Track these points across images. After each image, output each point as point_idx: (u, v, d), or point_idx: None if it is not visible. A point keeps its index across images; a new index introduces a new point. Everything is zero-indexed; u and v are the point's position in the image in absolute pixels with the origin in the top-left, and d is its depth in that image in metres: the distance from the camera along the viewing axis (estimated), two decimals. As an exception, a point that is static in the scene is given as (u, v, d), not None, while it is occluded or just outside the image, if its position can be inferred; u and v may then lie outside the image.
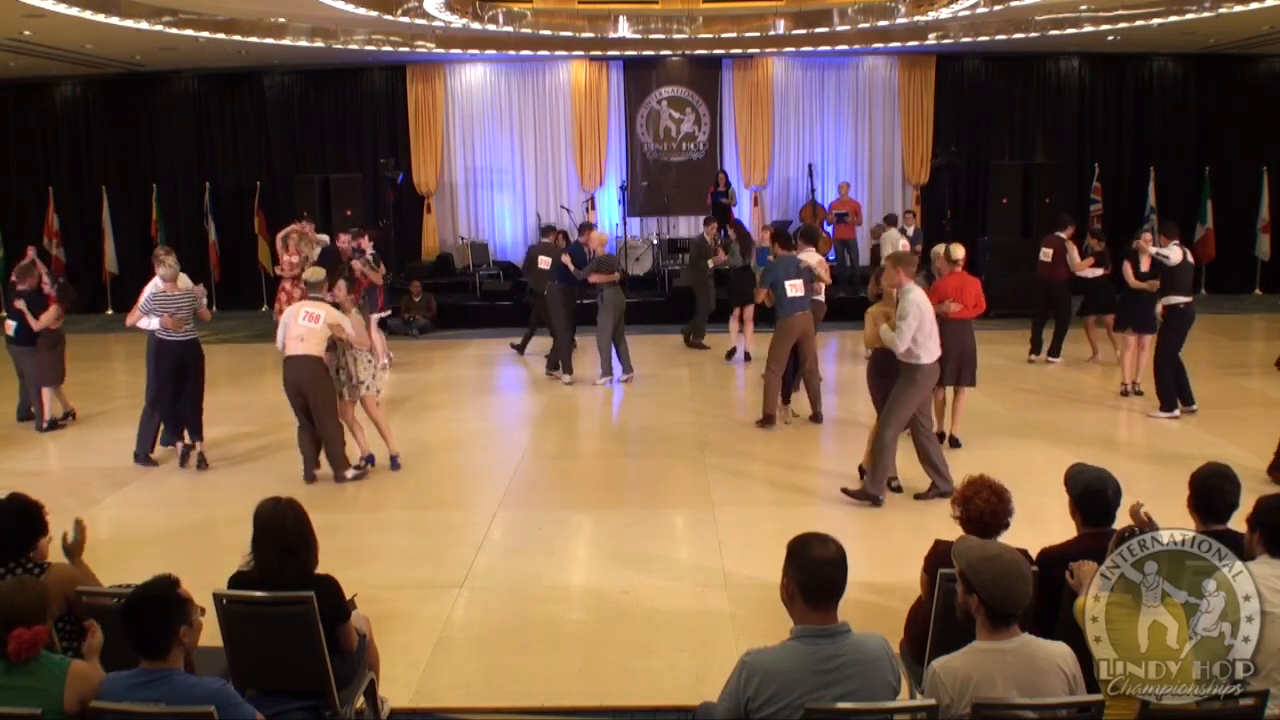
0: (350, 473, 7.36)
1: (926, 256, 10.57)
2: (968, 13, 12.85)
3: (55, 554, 3.82)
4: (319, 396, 7.17)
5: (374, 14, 12.34)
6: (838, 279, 12.81)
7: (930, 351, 6.47)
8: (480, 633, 5.05)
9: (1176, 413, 8.65)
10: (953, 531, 3.69)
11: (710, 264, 11.96)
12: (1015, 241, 14.25)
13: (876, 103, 16.68)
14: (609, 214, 16.45)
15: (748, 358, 11.50)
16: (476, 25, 13.57)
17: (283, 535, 3.57)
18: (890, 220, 14.10)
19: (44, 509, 3.76)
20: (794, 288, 8.39)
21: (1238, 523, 3.64)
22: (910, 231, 13.26)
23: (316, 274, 7.38)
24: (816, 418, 8.84)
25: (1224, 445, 7.73)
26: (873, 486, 6.65)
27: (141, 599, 2.94)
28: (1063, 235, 10.93)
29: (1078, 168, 16.36)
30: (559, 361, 10.77)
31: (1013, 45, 15.17)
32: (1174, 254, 8.63)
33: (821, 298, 9.28)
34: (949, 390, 8.04)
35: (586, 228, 11.33)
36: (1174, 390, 8.64)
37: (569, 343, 10.75)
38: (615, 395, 10.35)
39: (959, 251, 8.06)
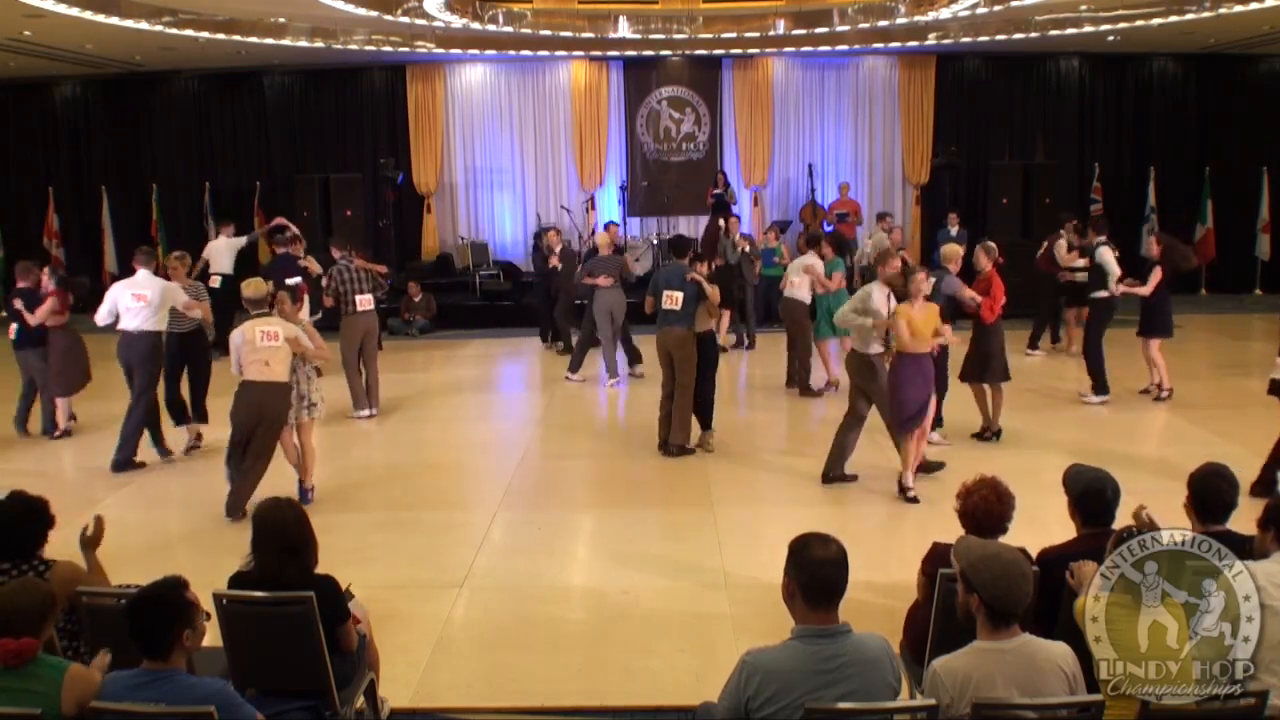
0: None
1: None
2: (968, 13, 12.84)
3: (70, 545, 3.86)
4: (273, 430, 6.59)
5: (374, 14, 12.34)
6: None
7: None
8: (480, 633, 5.05)
9: (1107, 397, 9.25)
10: (952, 533, 3.69)
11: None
12: (1015, 241, 14.23)
13: (876, 103, 16.67)
14: (609, 214, 16.43)
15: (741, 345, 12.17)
16: (476, 25, 13.57)
17: (283, 535, 3.57)
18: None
19: (48, 505, 3.79)
20: (669, 299, 7.75)
21: (1240, 523, 3.64)
22: (954, 232, 13.29)
23: (259, 289, 6.68)
24: (663, 446, 7.97)
25: (1224, 445, 7.74)
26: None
27: (146, 599, 2.95)
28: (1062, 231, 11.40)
29: (1078, 168, 16.35)
30: (577, 360, 10.79)
31: (1013, 45, 15.16)
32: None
33: (710, 325, 8.06)
34: (986, 387, 8.20)
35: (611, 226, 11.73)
36: (1103, 374, 9.24)
37: (589, 343, 10.83)
38: (615, 396, 10.35)
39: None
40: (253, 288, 6.71)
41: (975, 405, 8.24)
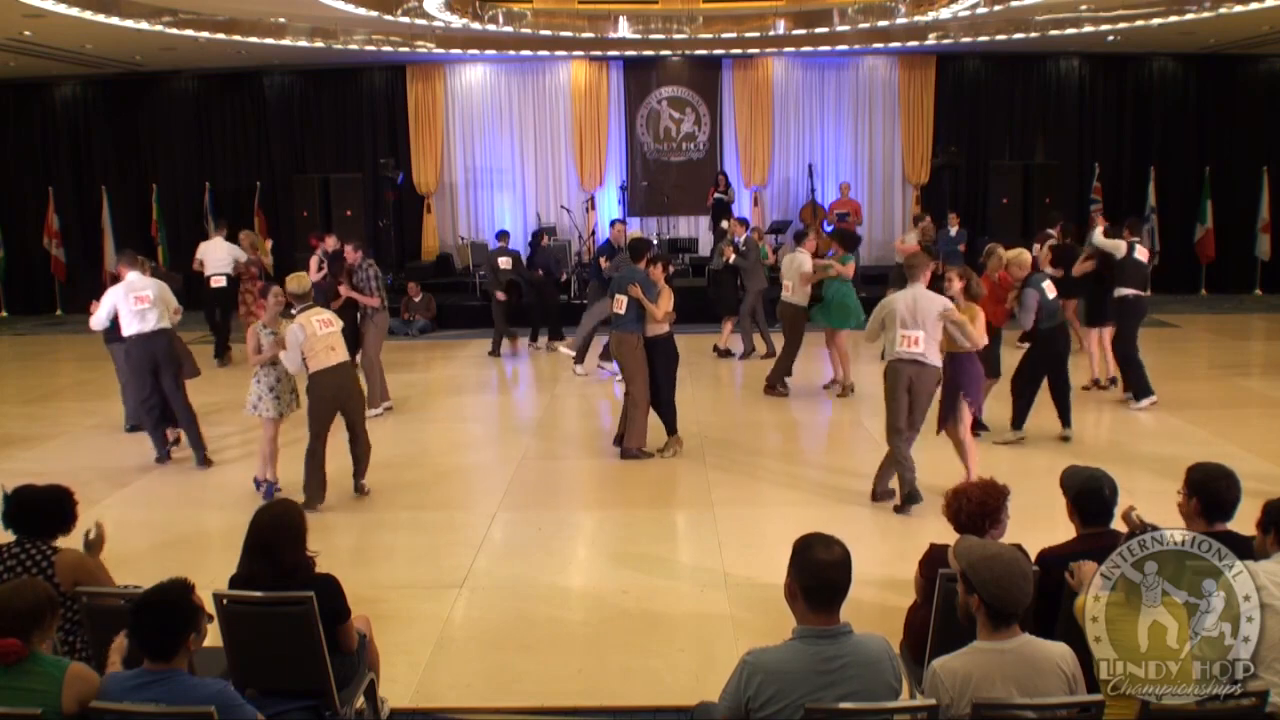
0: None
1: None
2: (968, 13, 12.84)
3: (76, 544, 3.94)
4: (359, 405, 7.00)
5: (374, 14, 12.34)
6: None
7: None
8: (480, 633, 5.05)
9: (1151, 399, 8.85)
10: (949, 533, 3.70)
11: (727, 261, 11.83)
12: (1015, 241, 14.21)
13: (876, 103, 16.69)
14: (609, 214, 16.45)
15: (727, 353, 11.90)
16: (476, 25, 13.57)
17: (255, 534, 3.60)
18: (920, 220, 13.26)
19: (76, 505, 3.93)
20: (618, 304, 7.78)
21: (1240, 524, 3.64)
22: (954, 232, 13.24)
23: (303, 283, 6.93)
24: (618, 442, 7.99)
25: (1224, 445, 7.73)
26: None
27: (156, 602, 2.95)
28: (1051, 232, 11.26)
29: (1078, 168, 16.36)
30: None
31: (1013, 45, 15.17)
32: (1119, 247, 9.08)
33: (660, 330, 7.81)
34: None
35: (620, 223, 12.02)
36: (1142, 379, 8.87)
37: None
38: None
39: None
40: (296, 281, 6.91)
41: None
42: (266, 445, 6.98)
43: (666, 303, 7.70)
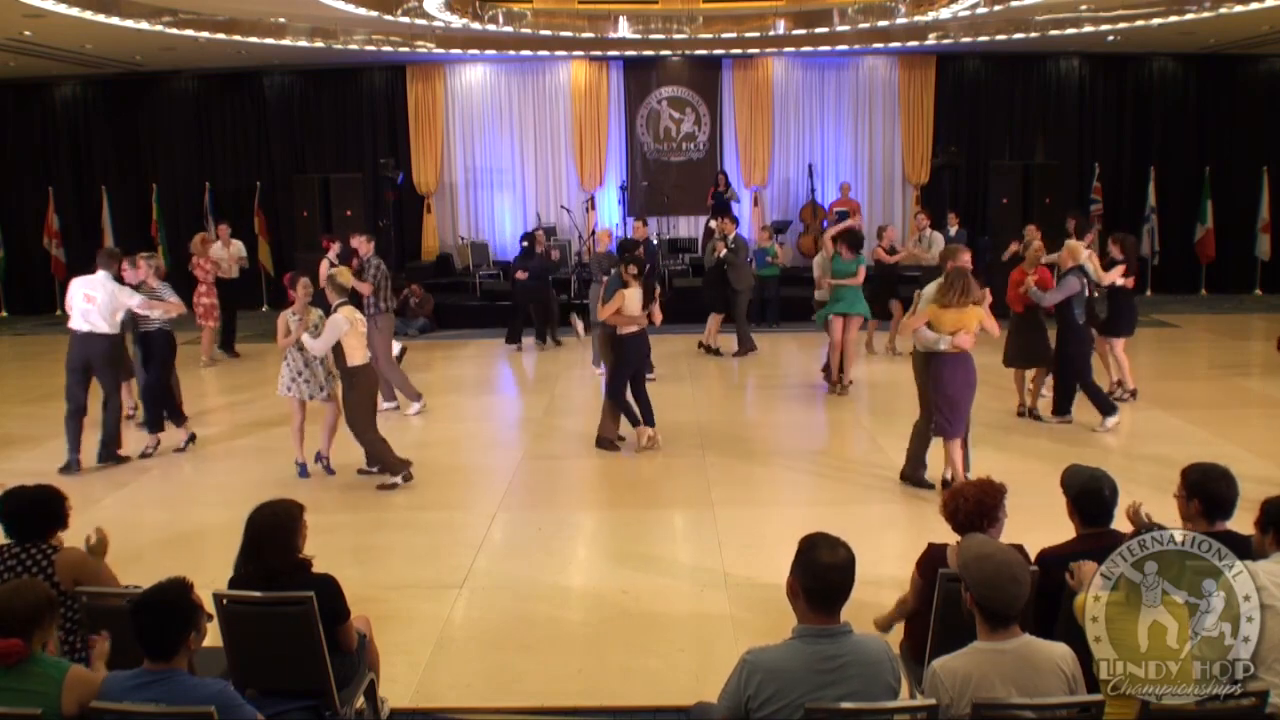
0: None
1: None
2: (968, 13, 12.84)
3: (76, 543, 3.93)
4: None
5: (374, 14, 12.34)
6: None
7: None
8: (480, 633, 5.05)
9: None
10: (951, 533, 3.71)
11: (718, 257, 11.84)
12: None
13: (876, 103, 16.69)
14: (609, 214, 16.46)
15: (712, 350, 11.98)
16: (476, 25, 13.57)
17: (250, 533, 3.61)
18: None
19: (67, 503, 3.90)
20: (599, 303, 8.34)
21: (1238, 524, 3.64)
22: (954, 232, 13.24)
23: (348, 277, 7.44)
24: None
25: (1224, 445, 7.73)
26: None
27: (156, 602, 2.95)
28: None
29: (1078, 168, 16.35)
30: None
31: (1013, 45, 15.16)
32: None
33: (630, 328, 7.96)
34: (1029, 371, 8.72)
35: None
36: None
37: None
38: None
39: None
40: (344, 275, 7.31)
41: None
42: (296, 427, 7.35)
43: (616, 302, 7.78)
